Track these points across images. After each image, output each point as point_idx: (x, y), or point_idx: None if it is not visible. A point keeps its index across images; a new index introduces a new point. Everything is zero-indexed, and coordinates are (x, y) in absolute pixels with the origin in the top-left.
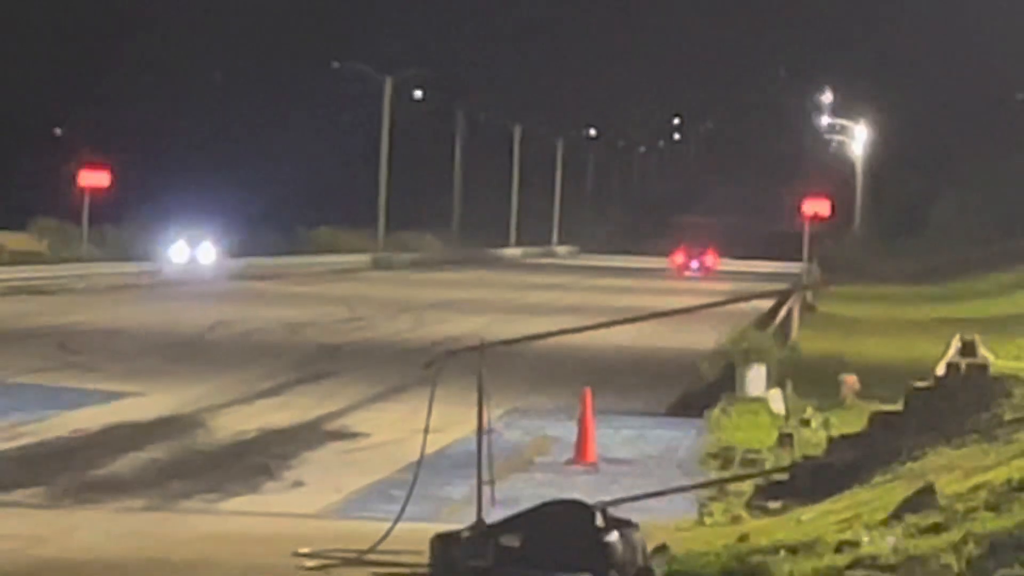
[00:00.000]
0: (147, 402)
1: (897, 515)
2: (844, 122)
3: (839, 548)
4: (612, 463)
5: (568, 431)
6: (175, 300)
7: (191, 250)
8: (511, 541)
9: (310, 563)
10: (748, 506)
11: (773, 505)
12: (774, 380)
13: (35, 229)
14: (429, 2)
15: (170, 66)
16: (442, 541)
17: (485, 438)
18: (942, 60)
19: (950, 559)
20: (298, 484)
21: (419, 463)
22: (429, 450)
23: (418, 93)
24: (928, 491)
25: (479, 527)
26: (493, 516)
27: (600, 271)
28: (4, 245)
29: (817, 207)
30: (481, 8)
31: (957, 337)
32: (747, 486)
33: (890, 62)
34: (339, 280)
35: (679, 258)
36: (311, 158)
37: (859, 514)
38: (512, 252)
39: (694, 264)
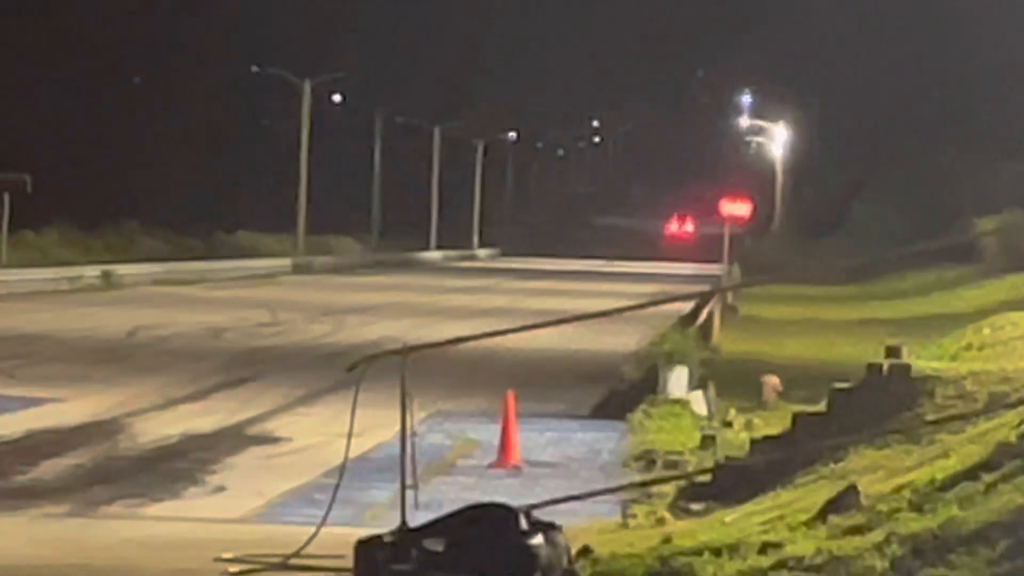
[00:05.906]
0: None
1: (821, 516)
2: (763, 123)
3: (763, 549)
4: (535, 466)
5: (491, 434)
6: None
7: None
8: (435, 545)
9: (233, 568)
10: (671, 508)
11: (696, 507)
12: (696, 382)
13: None
14: (347, 6)
15: (88, 69)
16: (365, 546)
17: (408, 442)
18: (859, 60)
19: (874, 560)
20: (220, 489)
21: (342, 467)
22: (352, 454)
23: (337, 97)
24: (851, 492)
25: (402, 531)
26: (416, 520)
27: (521, 274)
28: None
29: (736, 208)
30: (400, 12)
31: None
32: (670, 488)
33: (807, 63)
34: (259, 285)
35: (673, 225)
36: (233, 162)
37: (782, 515)
38: (432, 255)
39: (684, 228)
